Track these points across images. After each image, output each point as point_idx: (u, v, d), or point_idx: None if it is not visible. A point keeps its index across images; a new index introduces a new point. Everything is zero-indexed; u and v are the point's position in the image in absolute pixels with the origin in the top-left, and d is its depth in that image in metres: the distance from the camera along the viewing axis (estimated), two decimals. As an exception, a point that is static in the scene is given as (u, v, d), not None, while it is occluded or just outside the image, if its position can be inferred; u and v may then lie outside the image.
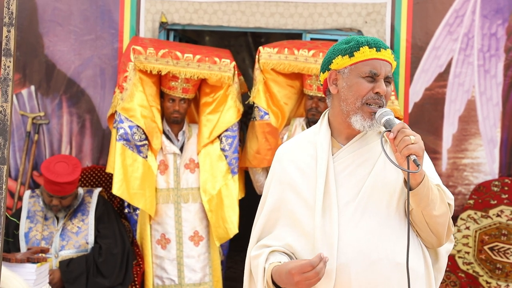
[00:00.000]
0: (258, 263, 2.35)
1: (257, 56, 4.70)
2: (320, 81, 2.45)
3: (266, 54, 4.66)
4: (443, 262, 2.42)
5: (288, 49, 4.65)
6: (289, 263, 2.23)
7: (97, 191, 4.66)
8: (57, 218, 4.53)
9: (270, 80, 4.72)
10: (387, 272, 2.24)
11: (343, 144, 2.38)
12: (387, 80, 2.33)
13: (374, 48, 2.31)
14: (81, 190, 4.63)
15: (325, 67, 2.40)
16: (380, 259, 2.25)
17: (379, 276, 2.24)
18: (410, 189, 2.21)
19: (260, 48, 4.70)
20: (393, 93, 4.67)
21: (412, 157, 2.14)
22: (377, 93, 2.29)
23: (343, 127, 2.38)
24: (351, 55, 2.32)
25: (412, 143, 2.14)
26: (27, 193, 4.64)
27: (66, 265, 4.39)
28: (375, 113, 2.29)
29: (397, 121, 2.25)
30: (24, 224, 4.50)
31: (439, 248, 2.39)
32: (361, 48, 2.31)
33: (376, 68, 2.30)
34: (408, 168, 2.14)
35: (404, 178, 2.24)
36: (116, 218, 4.63)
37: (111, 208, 4.67)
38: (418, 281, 2.28)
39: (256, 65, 4.71)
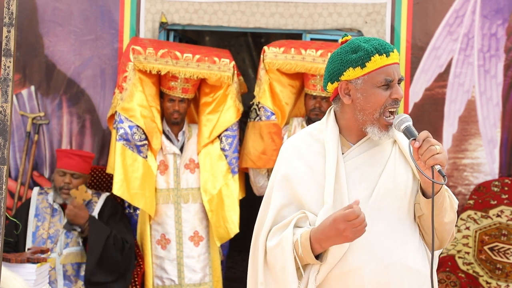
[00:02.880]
0: (283, 245, 2.26)
1: (261, 56, 4.66)
2: (327, 90, 2.40)
3: (272, 54, 4.63)
4: (437, 259, 2.45)
5: (295, 49, 4.62)
6: (330, 216, 2.18)
7: (105, 194, 4.68)
8: (64, 211, 4.53)
9: (274, 80, 4.69)
10: (400, 275, 2.25)
11: (352, 143, 2.37)
12: (399, 82, 2.32)
13: (384, 55, 2.28)
14: (89, 191, 4.65)
15: (334, 78, 2.34)
16: (393, 262, 2.25)
17: (392, 279, 2.25)
18: (426, 196, 2.23)
19: (265, 47, 4.67)
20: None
21: (437, 167, 2.14)
22: (395, 98, 2.29)
23: (354, 128, 2.35)
24: (362, 66, 2.28)
25: (438, 153, 2.14)
26: (36, 189, 4.66)
27: (95, 221, 4.46)
28: (391, 125, 2.28)
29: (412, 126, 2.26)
30: (32, 223, 4.52)
31: None
32: (372, 57, 2.27)
33: (390, 74, 2.28)
34: (433, 178, 2.14)
35: (420, 185, 2.26)
36: (122, 220, 4.64)
37: (120, 210, 4.68)
38: (426, 284, 2.30)
39: (261, 65, 4.68)
